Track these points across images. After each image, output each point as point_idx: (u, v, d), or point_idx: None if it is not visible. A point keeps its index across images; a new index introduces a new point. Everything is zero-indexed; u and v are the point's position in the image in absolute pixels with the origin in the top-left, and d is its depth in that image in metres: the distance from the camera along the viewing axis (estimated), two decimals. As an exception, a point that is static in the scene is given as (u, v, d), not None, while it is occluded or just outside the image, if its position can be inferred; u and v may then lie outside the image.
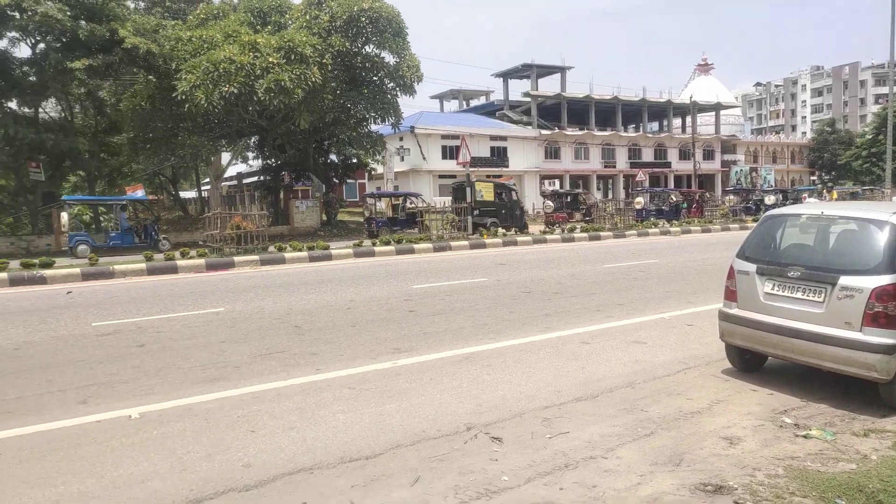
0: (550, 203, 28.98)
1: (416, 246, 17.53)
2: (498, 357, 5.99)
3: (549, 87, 56.09)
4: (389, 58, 25.88)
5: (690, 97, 56.40)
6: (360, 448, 3.90)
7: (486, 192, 23.98)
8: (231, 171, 42.57)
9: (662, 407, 4.60)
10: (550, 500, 3.23)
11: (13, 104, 24.34)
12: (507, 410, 4.54)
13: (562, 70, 54.66)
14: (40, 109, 25.81)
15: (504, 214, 24.03)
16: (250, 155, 38.23)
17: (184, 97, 20.85)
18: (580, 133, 52.25)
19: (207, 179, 35.40)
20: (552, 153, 51.35)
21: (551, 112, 53.22)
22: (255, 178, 39.93)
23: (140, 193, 22.14)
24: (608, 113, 55.85)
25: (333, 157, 32.94)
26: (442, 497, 3.27)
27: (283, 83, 20.47)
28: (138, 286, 11.66)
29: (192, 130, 25.90)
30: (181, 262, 14.06)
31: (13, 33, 22.94)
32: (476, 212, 22.52)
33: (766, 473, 3.49)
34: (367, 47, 25.53)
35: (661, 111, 60.69)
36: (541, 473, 3.54)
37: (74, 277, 12.49)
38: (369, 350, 6.32)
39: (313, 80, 21.32)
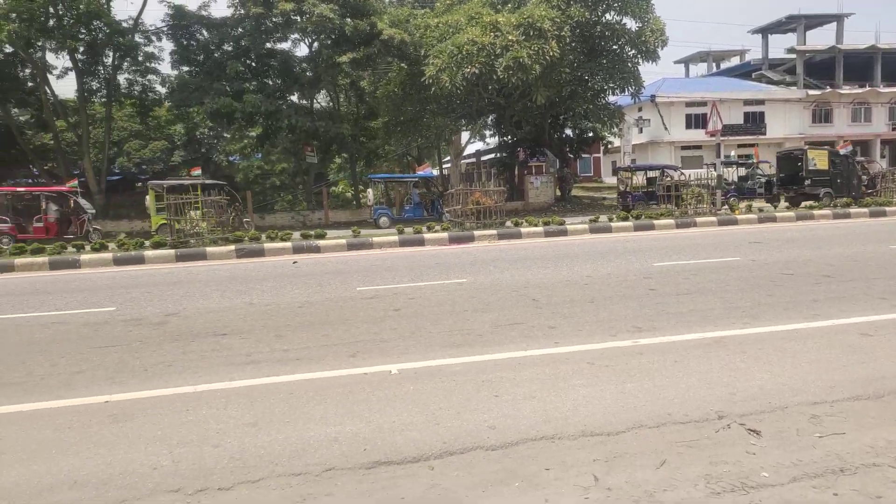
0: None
1: (656, 222, 16.67)
2: (754, 343, 5.44)
3: (818, 39, 48.59)
4: (631, 23, 24.71)
5: None
6: (601, 423, 3.86)
7: (819, 161, 22.14)
8: (469, 150, 44.75)
9: (975, 417, 3.77)
10: (822, 506, 2.86)
11: (294, 97, 28.47)
12: (766, 402, 4.11)
13: (837, 18, 46.95)
14: (314, 101, 29.82)
15: (840, 184, 22.13)
16: (487, 133, 39.72)
17: (430, 81, 22.35)
18: (860, 91, 44.47)
19: (448, 158, 37.70)
20: (821, 116, 44.60)
21: (820, 69, 46.07)
22: (491, 156, 41.42)
23: (429, 171, 24.52)
24: (899, 65, 46.59)
25: (568, 131, 32.69)
26: (691, 484, 3.10)
27: (521, 60, 20.80)
28: (392, 256, 12.93)
29: (436, 112, 27.72)
30: (427, 236, 15.24)
31: (295, 35, 26.75)
32: (808, 182, 21.72)
33: None
34: (607, 15, 24.67)
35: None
36: (809, 475, 3.15)
37: (341, 248, 14.30)
38: (609, 327, 6.20)
39: (551, 54, 21.30)
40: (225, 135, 35.58)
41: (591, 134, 33.03)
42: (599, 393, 4.39)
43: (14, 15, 21.65)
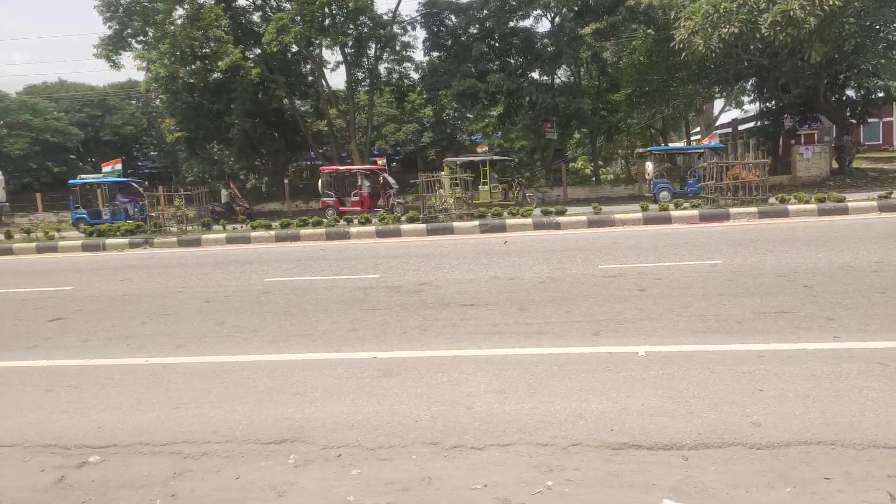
0: None
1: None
2: None
3: None
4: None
5: None
6: (898, 436, 3.27)
7: None
8: (723, 119, 40.81)
9: None
10: None
11: (535, 74, 28.70)
12: None
13: None
14: (555, 76, 29.73)
15: None
16: (745, 100, 35.74)
17: (681, 45, 20.73)
18: None
19: (697, 129, 34.84)
20: None
21: None
22: (750, 125, 37.26)
23: (716, 142, 23.39)
24: None
25: (850, 92, 27.90)
26: None
27: (791, 13, 18.19)
28: (636, 234, 12.43)
29: (685, 80, 25.70)
30: (674, 213, 14.32)
31: (537, 11, 26.86)
32: None
33: None
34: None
35: None
36: None
37: (581, 224, 14.16)
38: (906, 323, 5.21)
39: (830, 3, 18.26)
40: (468, 115, 37.37)
41: (881, 94, 27.73)
42: (894, 398, 3.71)
43: (298, 18, 25.13)
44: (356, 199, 22.63)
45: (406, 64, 31.58)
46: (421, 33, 30.23)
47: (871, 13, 20.52)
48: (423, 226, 14.96)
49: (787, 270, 7.62)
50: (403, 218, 16.19)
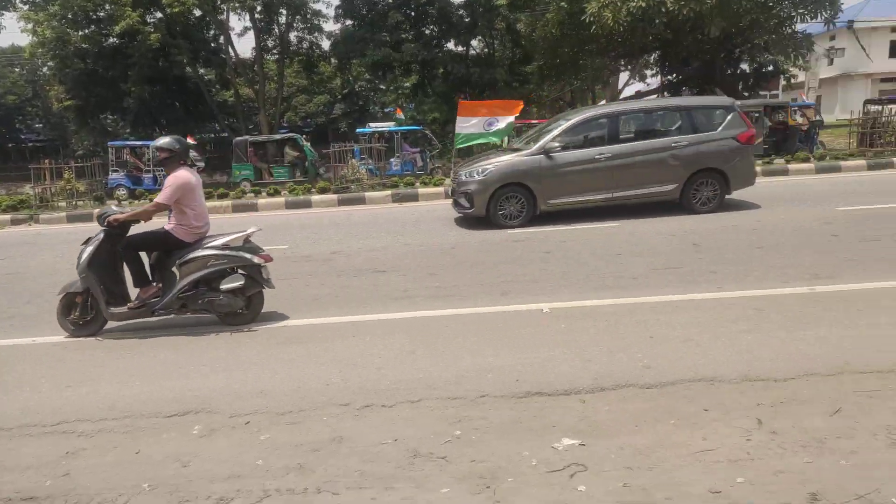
0: None
1: (843, 163, 14.79)
2: (962, 295, 4.74)
3: None
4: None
5: None
6: (767, 369, 3.62)
7: None
8: (627, 92, 42.36)
9: None
10: None
11: (451, 45, 28.66)
12: (972, 358, 3.60)
13: None
14: (469, 47, 29.81)
15: None
16: (648, 73, 37.26)
17: (592, 18, 21.25)
18: None
19: (603, 101, 36.04)
20: None
21: None
22: (653, 97, 38.91)
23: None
24: None
25: (744, 66, 29.62)
26: (869, 433, 2.84)
27: (695, -13, 19.01)
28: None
29: (594, 52, 26.42)
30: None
31: (455, -21, 26.73)
32: None
33: None
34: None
35: None
36: None
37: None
38: (779, 273, 5.72)
39: (732, -22, 19.20)
40: (381, 86, 36.90)
41: (770, 68, 29.66)
42: (766, 339, 4.10)
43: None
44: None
45: (316, 34, 30.71)
46: (334, 0, 29.27)
47: (767, -10, 21.76)
48: (335, 196, 14.74)
49: (679, 230, 8.12)
50: (314, 189, 15.87)
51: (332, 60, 31.42)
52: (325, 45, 30.71)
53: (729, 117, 9.30)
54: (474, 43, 31.62)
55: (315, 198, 14.75)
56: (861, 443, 2.78)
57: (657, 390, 3.48)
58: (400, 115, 26.39)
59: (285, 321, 5.30)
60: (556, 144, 9.10)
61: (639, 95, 45.16)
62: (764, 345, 4.00)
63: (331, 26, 30.48)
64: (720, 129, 9.24)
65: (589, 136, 9.46)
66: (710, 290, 5.33)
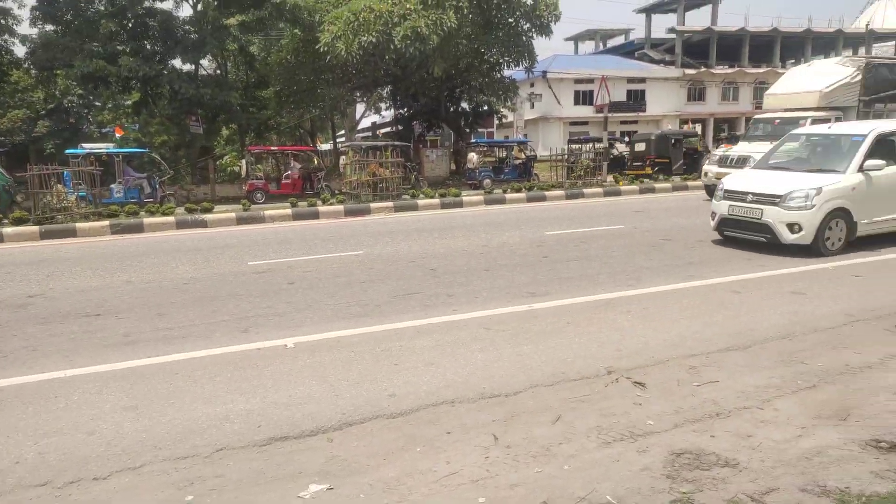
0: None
1: (547, 193, 17.19)
2: (638, 304, 5.74)
3: (696, 20, 51.76)
4: (526, -3, 24.98)
5: (867, 24, 49.28)
6: (500, 385, 3.92)
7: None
8: (365, 123, 43.91)
9: (825, 360, 4.19)
10: (701, 447, 3.06)
11: (177, 62, 26.53)
12: (649, 357, 4.34)
13: (713, 0, 50.10)
14: (199, 66, 27.94)
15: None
16: (383, 106, 39.12)
17: (325, 48, 21.55)
18: (730, 71, 47.89)
19: (342, 132, 36.87)
20: (696, 94, 47.69)
21: (698, 49, 49.14)
22: (388, 129, 40.94)
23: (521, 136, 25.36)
24: (764, 48, 50.32)
25: (465, 105, 32.85)
26: (584, 436, 3.22)
27: (419, 30, 20.49)
28: (285, 230, 12.47)
29: (331, 82, 26.85)
30: (322, 209, 14.83)
31: (177, -7, 24.85)
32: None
33: (962, 441, 3.06)
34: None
35: (829, 43, 53.42)
36: (689, 420, 3.37)
37: (230, 222, 13.61)
38: (504, 293, 6.32)
39: (449, 24, 21.12)
40: (96, 103, 32.63)
41: (486, 108, 33.38)
42: (497, 356, 4.45)
43: None
44: (287, 181, 21.29)
45: (7, 35, 25.97)
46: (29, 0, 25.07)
47: (478, 37, 24.46)
48: (36, 228, 12.49)
49: (417, 256, 8.55)
50: (6, 220, 13.24)
51: (31, 70, 26.86)
52: (20, 51, 26.13)
53: None
54: (205, 62, 29.84)
55: (8, 230, 12.32)
56: (578, 446, 3.14)
57: (403, 419, 3.52)
58: (120, 134, 23.52)
59: (-42, 388, 4.23)
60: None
61: (374, 127, 47.15)
62: (495, 362, 4.34)
63: (26, 29, 25.88)
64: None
65: None
66: (447, 312, 5.65)
